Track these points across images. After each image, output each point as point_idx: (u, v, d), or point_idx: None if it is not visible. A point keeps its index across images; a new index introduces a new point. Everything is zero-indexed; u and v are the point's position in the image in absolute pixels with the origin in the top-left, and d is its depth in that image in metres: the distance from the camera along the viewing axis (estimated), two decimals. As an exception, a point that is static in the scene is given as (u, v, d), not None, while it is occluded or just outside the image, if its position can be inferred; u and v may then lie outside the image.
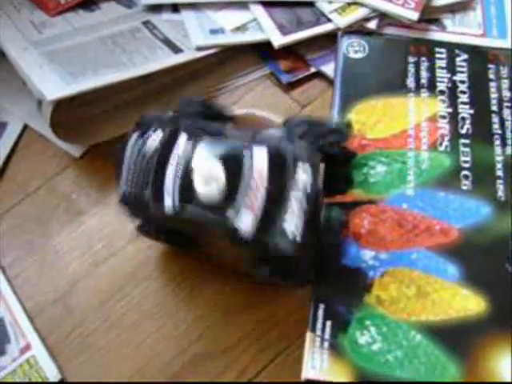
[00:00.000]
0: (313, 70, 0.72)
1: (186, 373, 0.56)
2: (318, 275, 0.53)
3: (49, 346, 0.58)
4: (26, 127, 0.72)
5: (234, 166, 0.49)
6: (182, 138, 0.52)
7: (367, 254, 0.54)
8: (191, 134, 0.52)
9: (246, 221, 0.49)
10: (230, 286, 0.59)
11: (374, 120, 0.61)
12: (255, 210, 0.48)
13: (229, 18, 0.74)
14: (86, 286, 0.62)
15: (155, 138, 0.53)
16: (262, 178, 0.48)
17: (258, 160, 0.49)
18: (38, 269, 0.63)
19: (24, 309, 0.61)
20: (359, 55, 0.67)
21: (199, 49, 0.71)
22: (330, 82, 0.70)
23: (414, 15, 0.70)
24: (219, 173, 0.49)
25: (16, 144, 0.71)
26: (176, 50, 0.71)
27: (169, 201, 0.52)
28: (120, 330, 0.59)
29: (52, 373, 0.57)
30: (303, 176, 0.49)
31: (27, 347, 0.59)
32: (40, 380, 0.57)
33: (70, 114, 0.68)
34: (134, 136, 0.55)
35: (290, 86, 0.72)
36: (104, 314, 0.60)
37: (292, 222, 0.48)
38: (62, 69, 0.67)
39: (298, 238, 0.48)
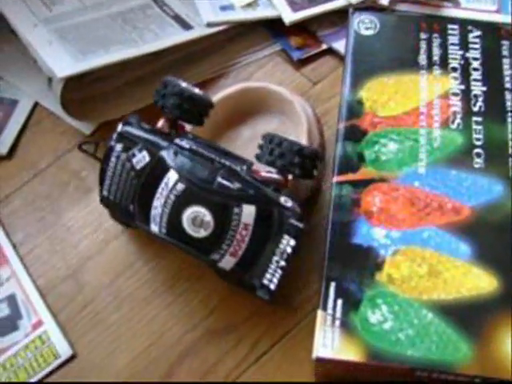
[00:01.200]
0: (324, 46, 0.72)
1: (197, 348, 0.57)
2: (329, 253, 0.53)
3: (60, 322, 0.59)
4: (36, 105, 0.72)
5: (222, 218, 0.52)
6: (173, 176, 0.53)
7: (379, 233, 0.54)
8: (183, 177, 0.53)
9: (228, 263, 0.54)
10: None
11: (386, 97, 0.61)
12: (238, 255, 0.53)
13: (239, -6, 0.74)
14: (97, 262, 0.62)
15: (141, 160, 0.55)
16: (248, 231, 0.52)
17: (246, 217, 0.52)
18: (50, 246, 0.63)
19: (36, 285, 0.61)
20: (370, 32, 0.66)
21: (209, 25, 0.71)
22: (342, 58, 0.70)
23: (428, -9, 0.69)
24: (208, 221, 0.52)
25: (27, 122, 0.72)
26: (186, 26, 0.71)
27: (155, 228, 0.55)
28: (131, 307, 0.59)
29: (63, 348, 0.58)
30: (285, 244, 0.53)
31: (39, 323, 0.59)
32: (52, 355, 0.57)
33: (81, 92, 0.68)
34: (118, 148, 0.56)
35: (301, 63, 0.72)
36: (115, 291, 0.60)
37: (268, 273, 0.54)
38: (71, 46, 0.66)
39: (273, 287, 0.54)
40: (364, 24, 0.66)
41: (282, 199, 0.52)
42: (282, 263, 0.53)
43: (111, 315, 0.59)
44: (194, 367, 0.56)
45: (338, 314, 0.51)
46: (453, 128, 0.59)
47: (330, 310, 0.51)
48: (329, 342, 0.50)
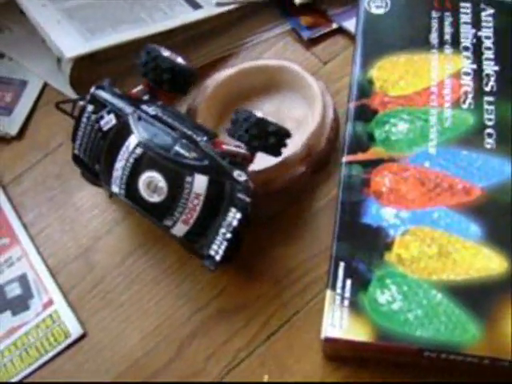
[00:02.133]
0: (334, 25, 0.71)
1: (207, 327, 0.57)
2: (338, 233, 0.53)
3: (71, 302, 0.60)
4: (46, 85, 0.72)
5: (175, 185, 0.54)
6: (134, 140, 0.55)
7: (388, 213, 0.54)
8: (142, 142, 0.54)
9: (180, 230, 0.55)
10: (250, 244, 0.59)
11: (396, 77, 0.60)
12: (189, 223, 0.54)
13: (249, -27, 0.73)
14: (107, 242, 0.62)
15: (108, 122, 0.57)
16: (199, 201, 0.53)
17: (198, 186, 0.53)
18: (60, 226, 0.64)
19: (46, 265, 0.62)
20: (381, 10, 0.65)
21: (219, 4, 0.70)
22: (352, 38, 0.69)
23: (439, -32, 0.68)
24: (162, 187, 0.54)
25: (36, 102, 0.72)
26: (195, 6, 0.70)
27: (116, 189, 0.57)
28: (141, 286, 0.60)
29: (74, 327, 0.58)
30: (232, 217, 0.53)
31: (50, 302, 0.60)
32: (63, 334, 0.58)
33: (90, 72, 0.68)
34: (89, 109, 0.58)
35: (312, 42, 0.71)
36: (125, 271, 0.61)
37: (215, 245, 0.54)
38: (80, 26, 0.66)
39: (218, 258, 0.54)
40: (375, 2, 0.65)
41: (236, 173, 0.53)
42: (228, 235, 0.53)
43: (121, 295, 0.59)
44: (204, 346, 0.56)
45: (347, 293, 0.51)
46: (464, 108, 0.59)
47: (338, 290, 0.51)
48: (337, 322, 0.50)
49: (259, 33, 0.72)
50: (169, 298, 0.59)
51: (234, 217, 0.53)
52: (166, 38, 0.68)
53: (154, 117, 0.56)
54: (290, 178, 0.60)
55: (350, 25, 0.70)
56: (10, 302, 0.60)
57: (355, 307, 0.50)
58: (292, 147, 0.59)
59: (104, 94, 0.58)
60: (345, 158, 0.57)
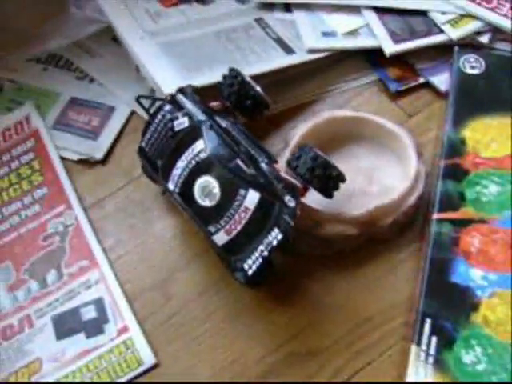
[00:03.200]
0: (421, 80, 0.72)
1: (278, 370, 0.57)
2: (426, 290, 0.54)
3: (145, 330, 0.60)
4: (133, 112, 0.74)
5: (228, 195, 0.56)
6: (200, 145, 0.57)
7: (476, 273, 0.54)
8: (208, 148, 0.57)
9: (221, 239, 0.57)
10: (328, 288, 0.60)
11: (489, 139, 0.61)
12: (232, 234, 0.56)
13: (341, 22, 0.74)
14: (185, 275, 0.63)
15: (181, 124, 0.60)
16: (247, 215, 0.55)
17: (249, 201, 0.55)
18: (139, 254, 0.65)
19: (123, 291, 0.62)
20: (475, 71, 0.66)
21: (311, 51, 0.72)
22: (439, 93, 0.70)
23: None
24: (215, 194, 0.56)
25: (123, 129, 0.73)
26: (288, 50, 0.72)
27: (172, 186, 0.60)
28: (215, 322, 0.60)
29: (147, 356, 0.58)
30: (274, 237, 0.54)
31: (125, 329, 0.60)
32: (135, 362, 0.58)
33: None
34: (167, 108, 0.61)
35: (398, 95, 0.72)
36: (201, 305, 0.61)
37: (251, 260, 0.56)
38: (178, 61, 0.68)
39: (250, 273, 0.56)
40: (469, 63, 0.66)
41: (287, 198, 0.54)
42: (265, 253, 0.55)
43: (196, 328, 0.60)
44: (275, 389, 0.56)
45: (432, 350, 0.51)
46: (555, 175, 0.59)
47: (424, 346, 0.51)
48: (421, 378, 0.50)
49: (346, 81, 0.73)
50: (242, 337, 0.59)
51: (275, 237, 0.54)
52: (256, 79, 0.70)
53: (224, 129, 0.58)
54: (337, 233, 0.59)
55: (437, 80, 0.71)
56: (84, 324, 0.61)
57: (440, 365, 0.50)
58: (359, 209, 0.59)
59: (184, 98, 0.61)
60: (435, 215, 0.57)
